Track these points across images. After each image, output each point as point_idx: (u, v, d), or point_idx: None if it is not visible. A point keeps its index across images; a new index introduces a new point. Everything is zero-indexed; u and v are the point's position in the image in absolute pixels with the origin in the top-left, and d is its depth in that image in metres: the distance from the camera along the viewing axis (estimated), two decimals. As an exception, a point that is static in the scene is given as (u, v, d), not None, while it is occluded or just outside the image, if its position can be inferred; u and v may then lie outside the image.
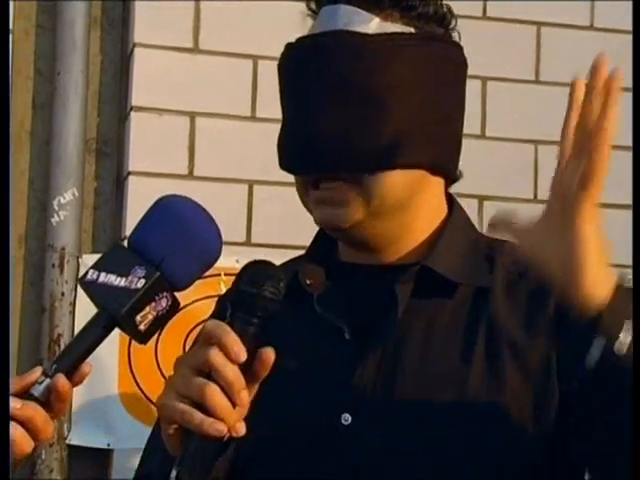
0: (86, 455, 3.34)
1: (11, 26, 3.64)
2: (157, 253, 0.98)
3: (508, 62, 3.66)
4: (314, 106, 1.12)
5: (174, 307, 0.98)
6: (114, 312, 0.96)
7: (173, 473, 0.92)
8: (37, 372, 0.97)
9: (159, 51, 3.62)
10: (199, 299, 3.31)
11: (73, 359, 0.97)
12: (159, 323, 0.98)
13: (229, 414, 0.95)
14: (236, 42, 3.67)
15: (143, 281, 0.96)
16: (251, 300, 0.98)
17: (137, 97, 3.62)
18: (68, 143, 3.62)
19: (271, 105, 3.98)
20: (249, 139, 3.62)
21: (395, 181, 1.12)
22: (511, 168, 3.77)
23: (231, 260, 3.39)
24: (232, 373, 0.96)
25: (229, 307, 0.99)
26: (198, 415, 0.95)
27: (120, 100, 3.75)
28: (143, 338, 0.97)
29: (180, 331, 3.26)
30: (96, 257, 3.88)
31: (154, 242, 0.99)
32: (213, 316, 1.25)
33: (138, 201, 3.57)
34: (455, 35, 1.21)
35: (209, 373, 0.96)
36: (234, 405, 0.96)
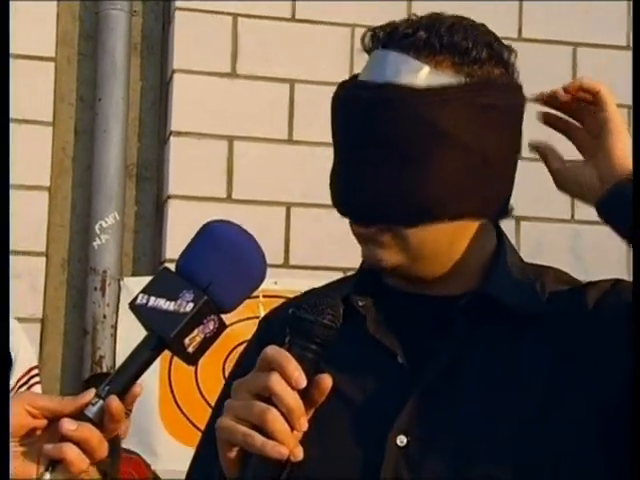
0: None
1: (53, 54, 3.72)
2: (204, 277, 0.99)
3: (544, 83, 3.67)
4: (357, 155, 1.12)
5: (221, 329, 1.00)
6: (164, 335, 0.98)
7: None
8: (90, 394, 0.99)
9: (198, 76, 3.68)
10: (238, 321, 3.34)
11: (124, 381, 0.99)
12: (207, 345, 1.00)
13: (289, 439, 0.96)
14: (273, 66, 3.71)
15: (191, 305, 0.97)
16: (310, 327, 0.99)
17: (176, 122, 3.67)
18: (109, 168, 3.68)
19: (308, 128, 4.03)
20: (286, 162, 3.66)
21: (433, 233, 1.11)
22: (548, 188, 3.76)
23: (269, 282, 3.42)
24: (293, 399, 0.96)
25: (288, 333, 1.00)
26: (260, 438, 0.95)
27: (160, 125, 3.81)
28: (192, 360, 0.99)
29: (220, 353, 3.29)
30: (137, 280, 3.95)
31: (201, 267, 1.00)
32: (254, 337, 1.26)
33: (178, 224, 3.61)
34: (516, 73, 1.18)
35: (269, 398, 0.97)
36: (293, 430, 0.97)
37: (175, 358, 1.02)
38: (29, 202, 3.60)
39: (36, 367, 2.90)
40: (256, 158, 3.67)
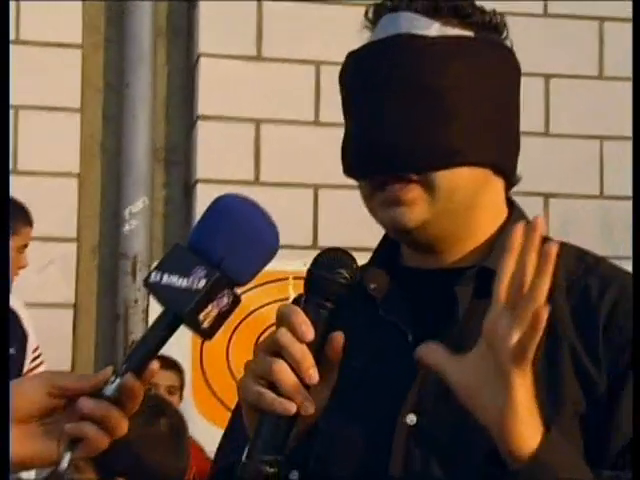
0: (162, 458, 3.41)
1: (80, 40, 3.74)
2: (216, 253, 1.00)
3: (571, 59, 3.64)
4: (379, 109, 1.14)
5: (235, 303, 1.01)
6: (178, 312, 0.98)
7: (245, 451, 0.95)
8: (108, 372, 1.00)
9: (223, 60, 3.69)
10: (268, 303, 3.36)
11: (141, 358, 0.99)
12: (222, 319, 1.00)
13: (297, 391, 0.98)
14: (298, 49, 3.71)
15: (204, 281, 0.98)
16: (325, 284, 1.01)
17: (203, 106, 3.68)
18: (137, 153, 3.70)
19: (334, 110, 4.01)
20: (313, 144, 3.66)
21: (461, 179, 1.14)
22: (576, 165, 3.75)
23: (299, 264, 3.43)
24: (299, 351, 0.98)
25: (304, 291, 1.02)
26: (269, 395, 0.97)
27: (187, 109, 3.82)
28: (208, 334, 1.00)
29: (251, 334, 3.31)
30: (168, 264, 3.94)
31: (213, 242, 1.01)
32: None
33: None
34: (508, 44, 1.23)
35: (280, 353, 0.99)
36: (303, 383, 0.99)
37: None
38: (59, 189, 3.63)
39: (37, 348, 3.00)
40: (283, 140, 3.68)
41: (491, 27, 1.18)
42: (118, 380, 0.98)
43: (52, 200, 3.52)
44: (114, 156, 3.77)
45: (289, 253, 3.97)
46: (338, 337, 1.01)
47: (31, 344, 2.99)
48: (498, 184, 1.20)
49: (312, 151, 3.65)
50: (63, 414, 0.99)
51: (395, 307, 1.18)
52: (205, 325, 0.98)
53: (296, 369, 0.98)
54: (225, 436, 1.24)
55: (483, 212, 1.18)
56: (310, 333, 0.99)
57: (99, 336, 3.72)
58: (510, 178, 1.21)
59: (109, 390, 0.98)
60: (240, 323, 3.40)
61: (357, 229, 3.69)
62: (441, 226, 1.16)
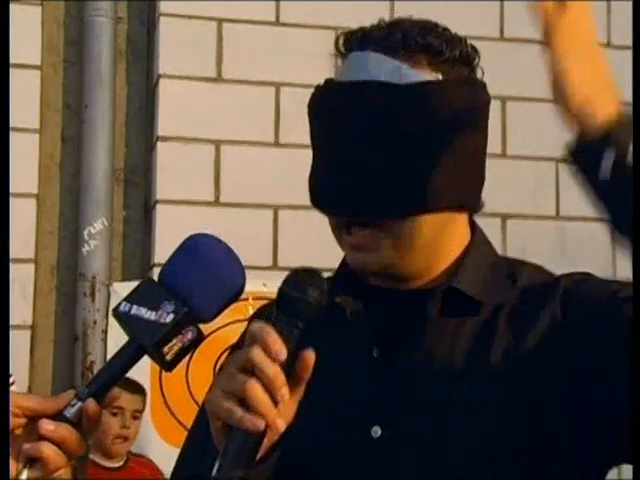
0: None
1: (39, 62, 3.73)
2: (185, 290, 1.05)
3: (527, 81, 3.70)
4: (344, 153, 1.15)
5: (199, 339, 1.06)
6: (144, 343, 1.03)
7: (215, 466, 0.97)
8: (70, 394, 1.03)
9: (183, 81, 3.70)
10: (227, 324, 3.36)
11: (104, 383, 1.04)
12: (184, 353, 1.06)
13: (269, 410, 0.99)
14: (258, 70, 3.73)
15: (172, 316, 1.03)
16: (295, 304, 1.02)
17: (163, 127, 3.69)
18: (97, 174, 3.69)
19: (294, 131, 4.06)
20: (273, 165, 3.68)
21: (423, 225, 1.15)
22: (533, 186, 3.80)
23: (258, 284, 3.44)
24: (272, 370, 1.00)
25: (274, 310, 1.04)
26: (239, 411, 0.99)
27: (146, 130, 3.83)
28: (170, 366, 1.05)
29: (210, 355, 3.31)
30: (126, 285, 3.96)
31: (183, 279, 1.06)
32: (243, 335, 1.30)
33: (166, 229, 3.63)
34: (479, 72, 1.23)
35: (252, 371, 1.00)
36: (275, 402, 1.00)
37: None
38: (17, 209, 3.61)
39: (10, 375, 2.98)
40: (243, 162, 3.69)
41: (462, 61, 1.18)
42: (79, 404, 1.00)
43: (10, 220, 3.49)
44: (73, 177, 3.76)
45: (249, 273, 3.95)
46: (309, 355, 1.03)
47: None
48: (463, 217, 1.22)
49: (272, 172, 3.67)
50: (22, 434, 1.01)
51: (360, 323, 1.20)
52: (168, 358, 1.03)
53: (268, 387, 1.00)
54: (185, 448, 1.25)
55: (448, 244, 1.21)
56: (283, 353, 1.00)
57: (57, 357, 3.70)
58: (475, 208, 1.23)
59: (70, 412, 1.01)
60: (200, 344, 3.40)
61: (317, 250, 3.71)
62: (406, 266, 1.18)
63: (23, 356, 3.59)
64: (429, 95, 1.14)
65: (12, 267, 3.54)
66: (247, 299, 3.34)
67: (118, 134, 3.79)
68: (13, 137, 3.60)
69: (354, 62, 1.18)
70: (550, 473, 1.12)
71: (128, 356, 1.04)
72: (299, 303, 1.03)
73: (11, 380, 3.04)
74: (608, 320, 1.10)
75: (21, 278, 3.61)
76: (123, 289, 3.58)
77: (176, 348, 1.03)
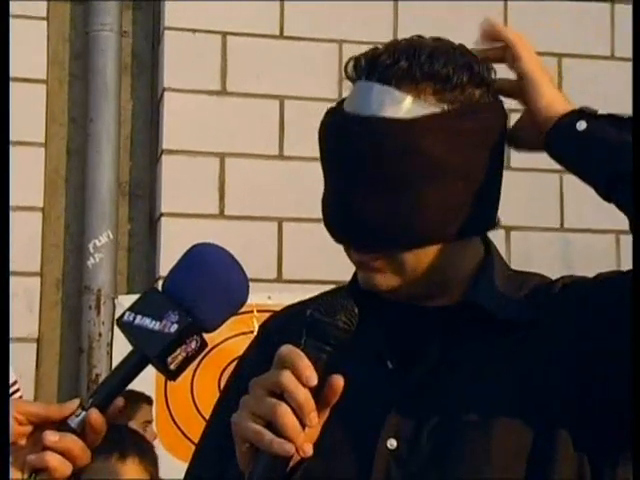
0: (126, 493, 3.39)
1: (45, 76, 3.75)
2: (189, 299, 1.04)
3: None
4: (349, 186, 1.15)
5: (202, 348, 1.06)
6: (148, 353, 1.03)
7: None
8: (75, 403, 1.03)
9: (188, 95, 3.71)
10: (232, 336, 3.36)
11: (108, 394, 1.03)
12: (188, 362, 1.05)
13: (298, 434, 0.99)
14: (262, 83, 3.75)
15: (176, 326, 1.02)
16: (325, 329, 1.02)
17: (168, 140, 3.70)
18: (102, 187, 3.70)
19: (298, 144, 4.07)
20: (278, 177, 3.69)
21: (427, 256, 1.15)
22: (537, 198, 3.80)
23: (263, 297, 3.44)
24: (303, 395, 1.00)
25: (304, 334, 1.04)
26: (268, 435, 0.99)
27: (151, 144, 3.84)
28: (173, 376, 1.04)
29: (215, 368, 3.31)
30: (131, 298, 3.96)
31: (186, 289, 1.05)
32: (254, 342, 1.31)
33: (171, 241, 3.64)
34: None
35: (281, 394, 1.00)
36: (304, 426, 1.00)
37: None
38: (23, 223, 3.62)
39: (15, 382, 2.97)
40: (248, 174, 3.70)
41: (472, 84, 1.15)
42: (83, 413, 1.00)
43: (16, 234, 3.51)
44: (78, 190, 3.77)
45: (254, 286, 3.95)
46: (338, 381, 1.03)
47: (11, 372, 2.97)
48: (472, 240, 1.21)
49: (276, 185, 3.67)
50: (28, 443, 1.01)
51: (374, 334, 1.20)
52: (172, 367, 1.03)
53: (298, 412, 1.00)
54: (196, 460, 1.25)
55: (460, 264, 1.20)
56: (314, 378, 1.01)
57: (62, 370, 3.70)
58: (489, 229, 1.23)
59: (74, 422, 1.01)
60: (204, 357, 3.40)
61: (321, 262, 3.71)
62: (412, 289, 1.19)
63: (29, 369, 3.59)
64: (432, 129, 1.13)
65: (18, 280, 3.55)
66: (252, 312, 3.35)
67: (123, 147, 3.80)
68: (19, 151, 3.61)
69: (358, 92, 1.17)
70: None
71: (132, 366, 1.04)
72: (330, 328, 1.03)
73: (15, 387, 3.04)
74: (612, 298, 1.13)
75: (27, 291, 3.62)
76: (128, 302, 3.54)
77: (180, 358, 1.03)
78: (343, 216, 1.16)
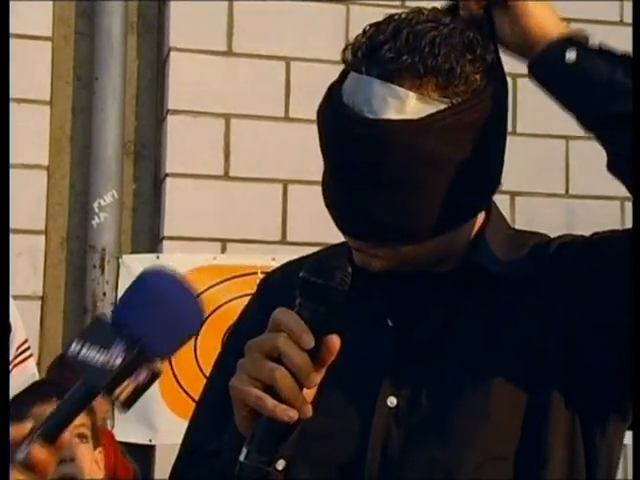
0: (129, 450, 3.41)
1: (50, 33, 3.73)
2: (137, 329, 1.03)
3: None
4: (353, 183, 1.14)
5: (153, 379, 1.04)
6: (94, 386, 1.02)
7: (243, 452, 0.98)
8: (28, 427, 1.01)
9: (194, 55, 3.69)
10: (236, 297, 3.37)
11: (56, 426, 1.02)
12: (140, 393, 1.04)
13: (297, 397, 1.00)
14: (269, 44, 3.73)
15: (121, 357, 1.01)
16: (320, 290, 1.02)
17: (173, 100, 3.69)
18: (107, 147, 3.70)
19: (304, 106, 4.05)
20: (283, 139, 3.68)
21: (428, 245, 1.16)
22: (542, 164, 3.79)
23: (267, 258, 3.45)
24: (300, 358, 1.00)
25: (298, 296, 1.04)
26: (271, 401, 0.99)
27: (157, 103, 3.82)
28: (124, 407, 1.03)
29: (218, 328, 3.31)
30: (135, 257, 3.95)
31: (134, 318, 1.04)
32: (255, 296, 1.32)
33: (175, 202, 3.64)
34: (500, 61, 1.19)
35: (279, 357, 1.01)
36: (302, 388, 1.01)
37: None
38: (27, 181, 3.62)
39: (26, 341, 2.97)
40: (253, 136, 3.69)
41: (475, 72, 1.13)
42: (29, 447, 1.00)
43: (20, 192, 3.51)
44: (83, 149, 3.77)
45: (258, 248, 3.99)
46: (334, 341, 1.03)
47: (18, 338, 2.97)
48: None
49: (282, 147, 3.66)
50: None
51: (374, 293, 1.20)
52: (121, 398, 1.02)
53: (296, 375, 1.01)
54: (195, 421, 1.26)
55: (462, 237, 1.20)
56: (311, 341, 1.01)
57: (66, 329, 3.72)
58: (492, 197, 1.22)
59: (21, 454, 1.00)
60: (208, 317, 3.42)
61: (326, 225, 3.70)
62: (416, 261, 1.18)
63: (33, 326, 3.61)
64: (436, 127, 1.11)
65: (22, 238, 3.55)
66: (256, 273, 3.35)
67: (128, 107, 3.79)
68: (23, 108, 3.60)
69: (359, 89, 1.13)
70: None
71: (80, 399, 1.03)
72: (324, 289, 1.03)
73: (26, 346, 3.03)
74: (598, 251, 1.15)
75: (31, 249, 3.63)
76: (132, 261, 3.59)
77: (129, 389, 1.02)
78: (347, 210, 1.16)
